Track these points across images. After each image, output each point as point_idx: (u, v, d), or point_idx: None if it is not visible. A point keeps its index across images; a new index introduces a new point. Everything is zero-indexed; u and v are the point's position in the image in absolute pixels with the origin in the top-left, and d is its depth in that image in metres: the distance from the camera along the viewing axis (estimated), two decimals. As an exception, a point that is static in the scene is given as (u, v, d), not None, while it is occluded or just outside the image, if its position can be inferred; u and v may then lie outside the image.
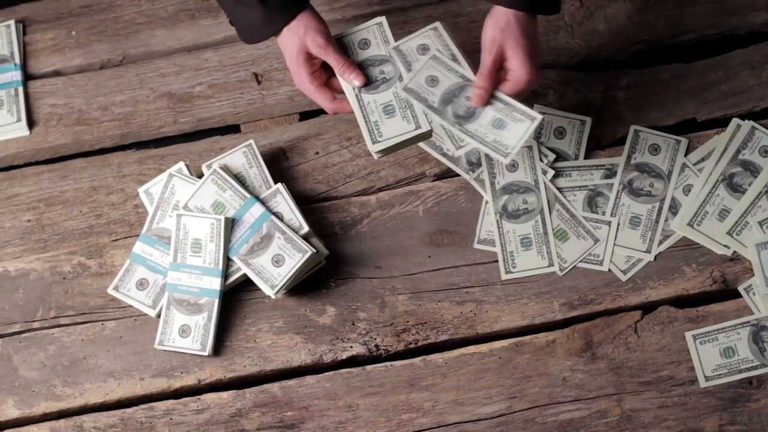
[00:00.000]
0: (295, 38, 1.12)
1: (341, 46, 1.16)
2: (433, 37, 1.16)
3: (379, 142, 1.12)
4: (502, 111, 1.13)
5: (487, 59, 1.11)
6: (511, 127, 1.12)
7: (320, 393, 1.20)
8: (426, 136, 1.15)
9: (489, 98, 1.13)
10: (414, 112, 1.13)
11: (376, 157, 1.16)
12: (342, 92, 1.16)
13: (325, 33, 1.13)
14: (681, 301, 1.22)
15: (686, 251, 1.24)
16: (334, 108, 1.16)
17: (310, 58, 1.14)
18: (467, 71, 1.15)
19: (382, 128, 1.13)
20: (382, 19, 1.17)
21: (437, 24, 1.17)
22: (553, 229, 1.25)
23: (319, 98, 1.15)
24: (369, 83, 1.14)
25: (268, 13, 1.12)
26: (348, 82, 1.14)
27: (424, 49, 1.15)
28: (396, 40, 1.16)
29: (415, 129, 1.12)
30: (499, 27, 1.10)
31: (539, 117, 1.12)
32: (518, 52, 1.10)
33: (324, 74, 1.16)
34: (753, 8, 1.37)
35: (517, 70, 1.11)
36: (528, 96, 1.21)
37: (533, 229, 1.25)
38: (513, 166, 1.26)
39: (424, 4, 1.41)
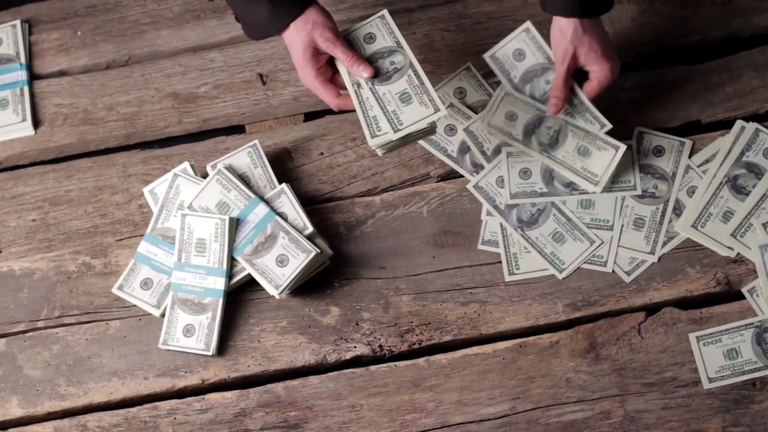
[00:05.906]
0: (303, 33, 1.12)
1: (347, 42, 1.16)
2: (380, 25, 1.17)
3: (400, 130, 1.12)
4: (585, 139, 1.21)
5: (562, 70, 1.18)
6: (596, 155, 1.21)
7: (324, 393, 1.20)
8: (433, 131, 1.16)
9: (563, 106, 1.21)
10: (431, 96, 1.13)
11: (380, 153, 1.16)
12: (346, 89, 1.16)
13: (332, 28, 1.13)
14: (684, 303, 1.22)
15: (690, 253, 1.24)
16: (339, 104, 1.16)
17: (317, 53, 1.14)
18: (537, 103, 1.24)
19: (401, 116, 1.12)
20: (384, 12, 1.17)
21: (384, 12, 1.17)
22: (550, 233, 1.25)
23: (325, 94, 1.16)
24: (381, 75, 1.14)
25: (275, 9, 1.12)
26: (357, 74, 1.14)
27: (370, 38, 1.16)
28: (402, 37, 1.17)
29: (434, 112, 1.12)
30: (567, 38, 1.16)
31: (623, 146, 1.21)
32: (592, 56, 1.17)
33: (329, 70, 1.17)
34: (758, 11, 1.37)
35: (598, 71, 1.19)
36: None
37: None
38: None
39: (429, 5, 1.41)
